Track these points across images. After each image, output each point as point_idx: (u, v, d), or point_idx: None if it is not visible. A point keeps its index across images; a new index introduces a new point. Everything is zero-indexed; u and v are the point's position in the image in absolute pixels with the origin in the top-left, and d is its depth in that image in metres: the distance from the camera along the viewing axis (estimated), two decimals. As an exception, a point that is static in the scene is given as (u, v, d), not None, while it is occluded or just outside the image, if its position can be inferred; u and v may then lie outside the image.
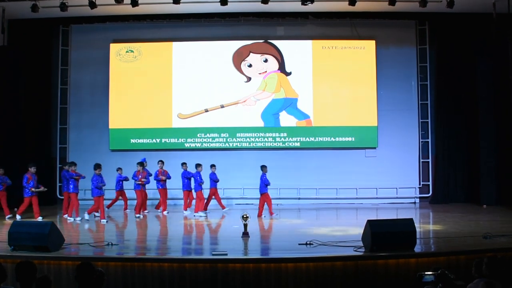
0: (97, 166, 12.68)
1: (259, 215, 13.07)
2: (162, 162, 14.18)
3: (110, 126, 16.12)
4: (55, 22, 15.53)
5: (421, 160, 16.03)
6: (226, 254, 8.05)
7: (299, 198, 15.80)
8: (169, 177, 14.10)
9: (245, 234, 9.85)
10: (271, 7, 13.75)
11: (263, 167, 13.45)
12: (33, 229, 8.44)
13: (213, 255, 8.04)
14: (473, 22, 14.98)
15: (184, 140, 16.14)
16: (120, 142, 16.17)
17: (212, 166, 14.21)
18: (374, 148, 16.03)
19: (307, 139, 16.11)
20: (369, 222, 8.35)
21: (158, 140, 16.15)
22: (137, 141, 16.16)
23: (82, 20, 15.29)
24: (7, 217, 12.59)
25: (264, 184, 13.27)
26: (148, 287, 7.70)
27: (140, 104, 16.19)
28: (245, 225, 9.90)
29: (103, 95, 16.18)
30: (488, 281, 4.95)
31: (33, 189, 12.63)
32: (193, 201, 14.03)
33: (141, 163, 13.72)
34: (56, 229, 8.62)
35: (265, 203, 13.30)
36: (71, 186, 12.79)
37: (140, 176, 13.46)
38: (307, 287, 7.65)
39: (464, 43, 15.56)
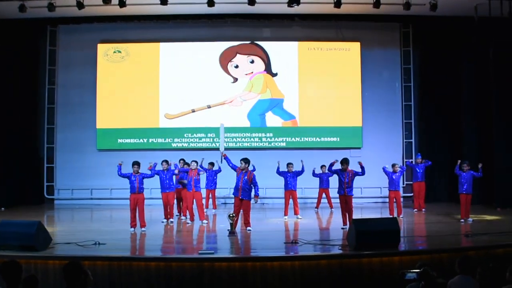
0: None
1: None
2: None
3: (98, 126, 16.13)
4: (43, 22, 15.46)
5: (405, 160, 16.23)
6: (212, 253, 8.17)
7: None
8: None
9: (232, 233, 9.97)
10: (258, 8, 13.82)
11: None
12: (20, 228, 8.41)
13: (200, 254, 8.13)
14: (456, 25, 15.18)
15: (171, 140, 16.21)
16: (107, 142, 16.18)
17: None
18: (359, 148, 16.19)
19: (293, 139, 16.26)
20: (354, 221, 8.51)
21: (145, 140, 16.19)
22: (124, 141, 16.18)
23: (69, 21, 15.24)
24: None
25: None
26: (135, 286, 7.72)
27: (127, 104, 16.22)
28: (232, 224, 10.02)
29: (91, 95, 16.18)
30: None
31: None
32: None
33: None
34: (43, 228, 8.62)
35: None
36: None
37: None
38: (293, 285, 7.74)
39: (447, 46, 15.82)
